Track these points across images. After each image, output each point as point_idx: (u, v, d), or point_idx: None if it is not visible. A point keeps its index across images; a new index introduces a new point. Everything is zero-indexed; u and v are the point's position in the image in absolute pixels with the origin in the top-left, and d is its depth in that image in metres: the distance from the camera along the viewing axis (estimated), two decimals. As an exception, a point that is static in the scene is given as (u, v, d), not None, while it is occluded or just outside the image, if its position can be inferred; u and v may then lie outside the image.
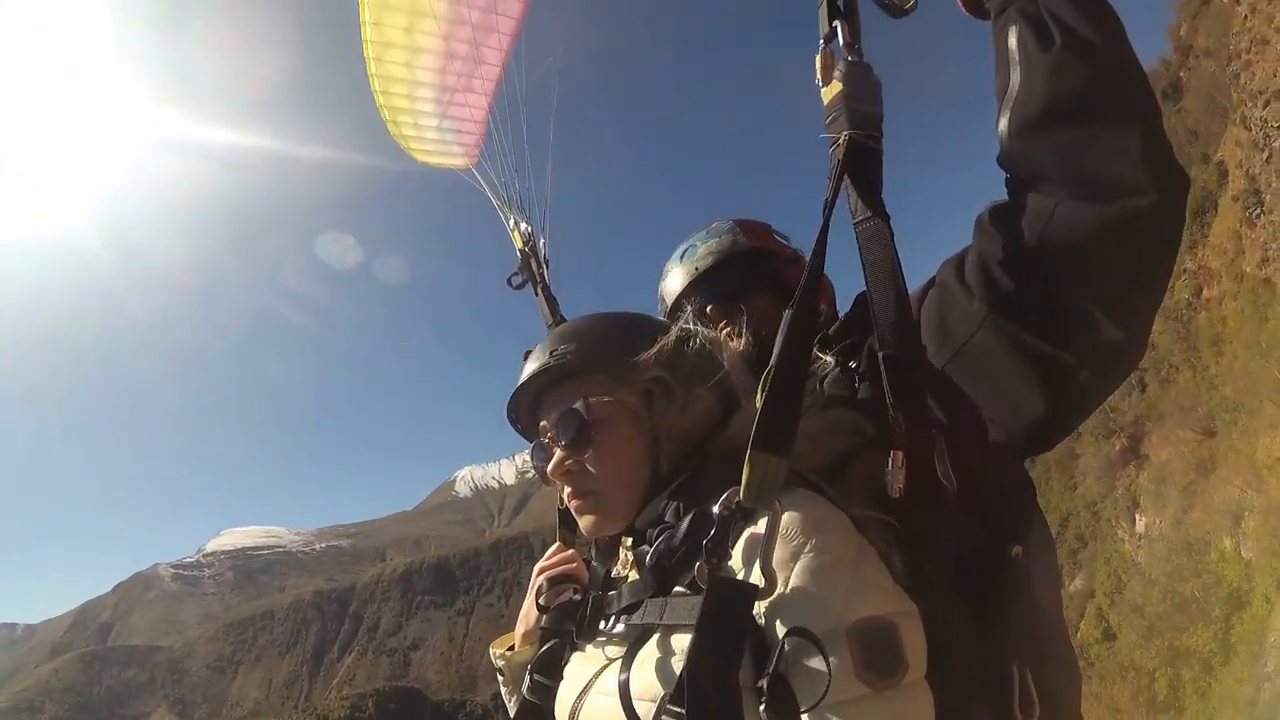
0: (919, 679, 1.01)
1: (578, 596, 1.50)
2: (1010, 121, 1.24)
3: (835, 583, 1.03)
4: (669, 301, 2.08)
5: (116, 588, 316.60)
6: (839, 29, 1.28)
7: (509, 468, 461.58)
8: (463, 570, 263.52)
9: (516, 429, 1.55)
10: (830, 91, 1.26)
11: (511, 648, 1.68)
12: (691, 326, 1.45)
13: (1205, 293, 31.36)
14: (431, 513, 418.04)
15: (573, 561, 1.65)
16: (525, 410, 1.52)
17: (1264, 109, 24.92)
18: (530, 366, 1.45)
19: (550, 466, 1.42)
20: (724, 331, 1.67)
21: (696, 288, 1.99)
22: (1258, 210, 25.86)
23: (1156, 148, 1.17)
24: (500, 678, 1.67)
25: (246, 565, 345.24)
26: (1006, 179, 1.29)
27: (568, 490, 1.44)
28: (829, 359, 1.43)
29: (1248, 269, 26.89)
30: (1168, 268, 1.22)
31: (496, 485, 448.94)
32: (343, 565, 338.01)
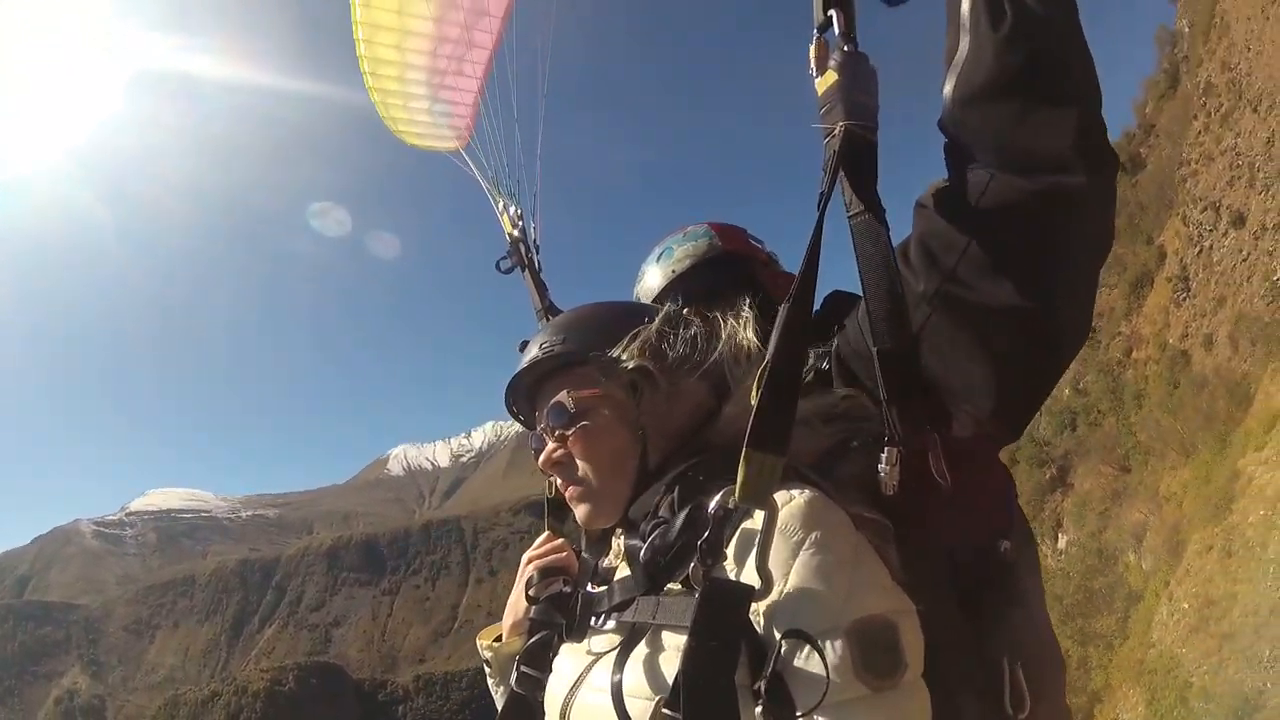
0: (917, 678, 1.02)
1: (567, 588, 1.48)
2: (955, 89, 1.23)
3: (835, 581, 1.02)
4: (645, 303, 2.06)
5: (36, 540, 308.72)
6: (834, 18, 1.25)
7: (444, 450, 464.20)
8: (391, 549, 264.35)
9: (518, 419, 1.59)
10: (825, 82, 1.24)
11: (499, 639, 1.67)
12: (678, 314, 1.48)
13: (1134, 354, 36.62)
14: (362, 489, 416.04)
15: (562, 551, 1.64)
16: (525, 401, 1.55)
17: (1200, 213, 29.62)
18: (523, 359, 1.48)
19: (542, 459, 1.45)
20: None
21: (673, 290, 1.98)
22: (1185, 294, 30.94)
23: (1091, 131, 1.19)
24: (487, 669, 1.67)
25: (170, 528, 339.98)
26: (945, 144, 1.29)
27: (560, 480, 1.46)
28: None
29: (1170, 341, 31.93)
30: (1098, 245, 1.24)
31: (430, 466, 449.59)
32: (268, 536, 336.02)
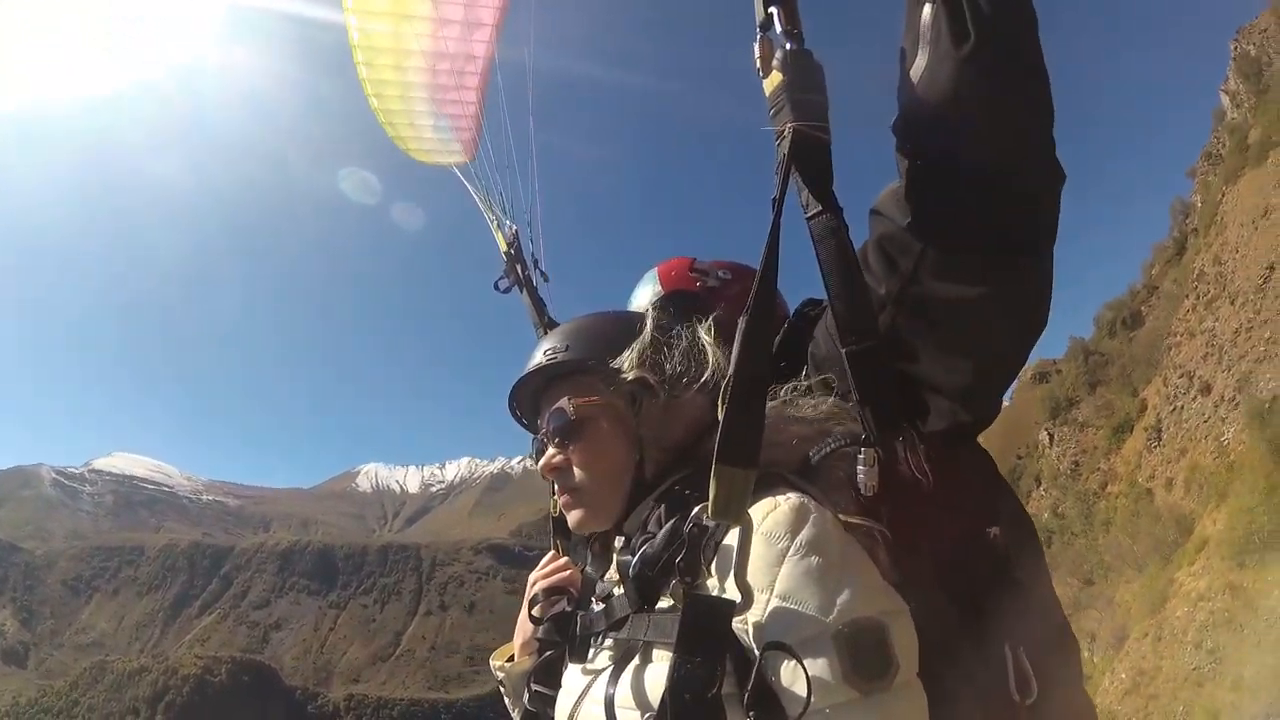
0: (911, 678, 1.01)
1: (570, 607, 1.49)
2: (910, 99, 1.23)
3: (821, 586, 1.02)
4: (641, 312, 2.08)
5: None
6: (775, 15, 1.23)
7: (415, 476, 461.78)
8: (346, 563, 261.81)
9: (521, 424, 1.61)
10: (771, 82, 1.22)
11: (511, 659, 1.68)
12: (670, 326, 1.47)
13: (1109, 488, 39.86)
14: (326, 498, 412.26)
15: (567, 570, 1.64)
16: (529, 408, 1.57)
17: (1178, 379, 33.19)
18: (527, 364, 1.50)
19: (540, 463, 1.47)
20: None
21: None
22: (1157, 443, 32.67)
23: (1040, 147, 1.20)
24: (502, 689, 1.69)
25: (130, 494, 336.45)
26: (898, 149, 1.27)
27: (556, 487, 1.48)
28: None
29: (1139, 480, 35.00)
30: (1048, 244, 1.24)
31: (398, 489, 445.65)
32: (225, 524, 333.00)
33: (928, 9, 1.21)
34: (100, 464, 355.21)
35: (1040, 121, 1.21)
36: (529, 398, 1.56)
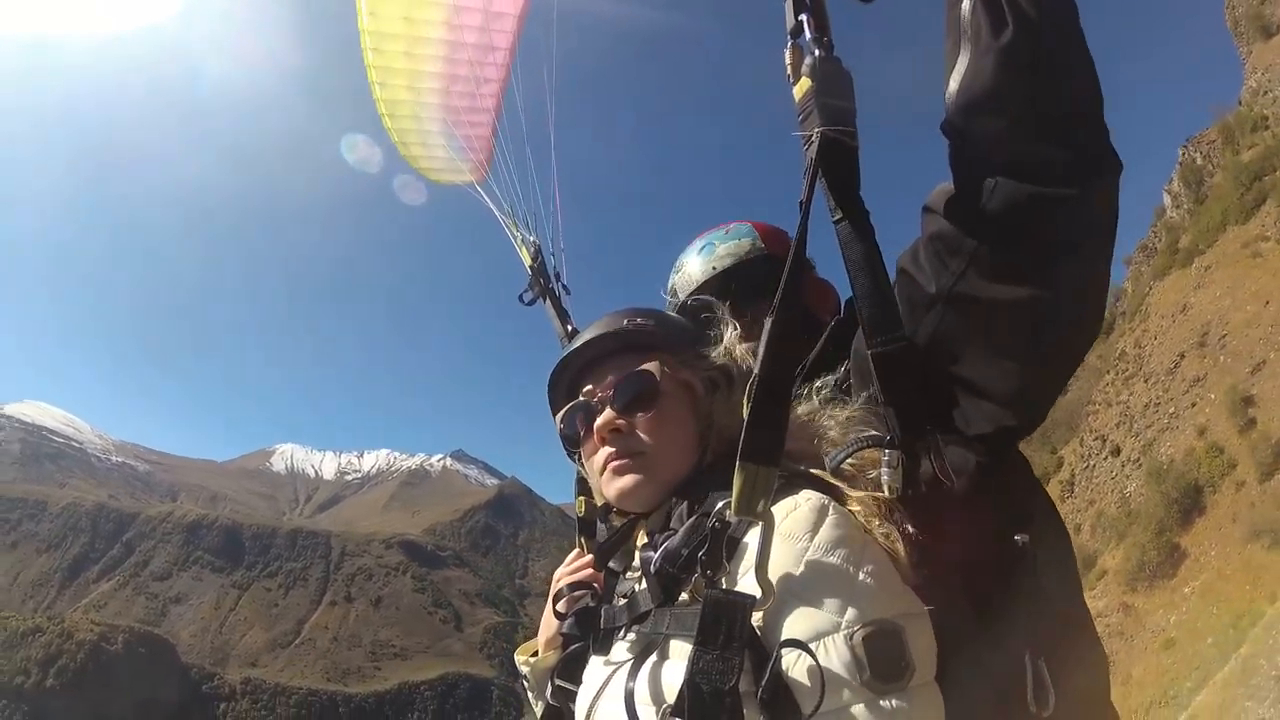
0: (928, 681, 1.01)
1: (593, 603, 1.48)
2: (957, 96, 1.22)
3: (840, 586, 1.03)
4: (681, 295, 2.11)
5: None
6: (805, 22, 1.26)
7: (332, 462, 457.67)
8: (253, 544, 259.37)
9: (551, 393, 1.58)
10: (800, 88, 1.24)
11: (535, 654, 1.69)
12: (735, 341, 1.50)
13: None
14: (238, 475, 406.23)
15: (591, 567, 1.62)
16: (569, 378, 1.55)
17: (1092, 441, 36.72)
18: (597, 330, 1.48)
19: (601, 421, 1.43)
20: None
21: (713, 284, 2.01)
22: (1069, 494, 36.52)
23: (1094, 138, 1.19)
24: (525, 683, 1.69)
25: (38, 445, 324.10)
26: (949, 149, 1.28)
27: (609, 451, 1.43)
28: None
29: None
30: (1102, 242, 1.23)
31: (313, 474, 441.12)
32: (132, 489, 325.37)
33: (966, 5, 1.22)
34: (10, 409, 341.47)
35: (1088, 106, 1.20)
36: (576, 368, 1.54)
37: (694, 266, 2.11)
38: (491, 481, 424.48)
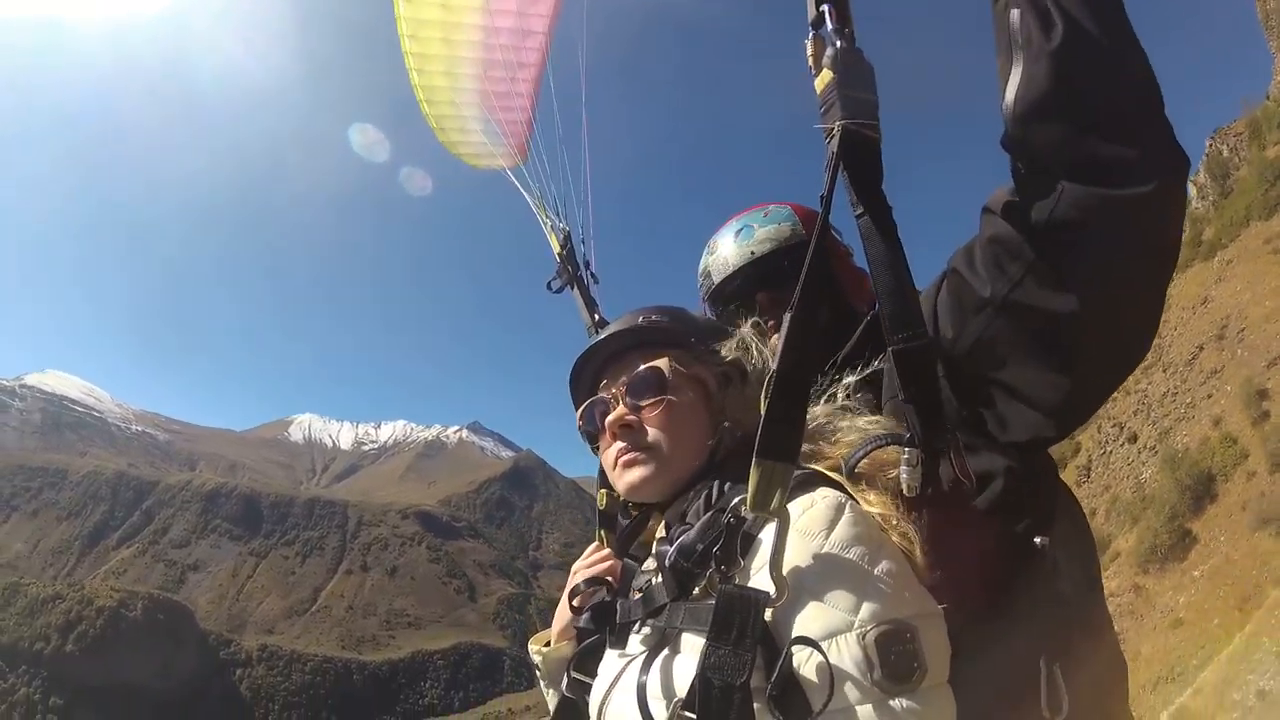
0: (940, 682, 1.01)
1: (609, 598, 1.48)
2: (1014, 106, 1.20)
3: (854, 584, 1.02)
4: (716, 278, 2.05)
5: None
6: (827, 14, 1.25)
7: (349, 432, 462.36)
8: (271, 512, 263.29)
9: (572, 388, 1.60)
10: (822, 80, 1.23)
11: (548, 644, 1.69)
12: (751, 337, 1.50)
13: None
14: (257, 444, 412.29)
15: (608, 560, 1.62)
16: (590, 374, 1.57)
17: (1110, 428, 37.21)
18: (614, 327, 1.51)
19: (612, 417, 1.45)
20: (769, 324, 1.70)
21: (748, 271, 1.97)
22: (1085, 479, 37.40)
23: (1158, 134, 1.17)
24: (538, 672, 1.69)
25: (59, 414, 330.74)
26: (1011, 161, 1.26)
27: (620, 446, 1.45)
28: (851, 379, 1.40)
29: None
30: (1171, 247, 1.21)
31: (330, 444, 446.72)
32: (152, 458, 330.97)
33: (1014, 14, 1.21)
34: (33, 379, 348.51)
35: (1148, 102, 1.18)
36: (596, 364, 1.56)
37: (729, 250, 2.02)
38: (507, 454, 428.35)
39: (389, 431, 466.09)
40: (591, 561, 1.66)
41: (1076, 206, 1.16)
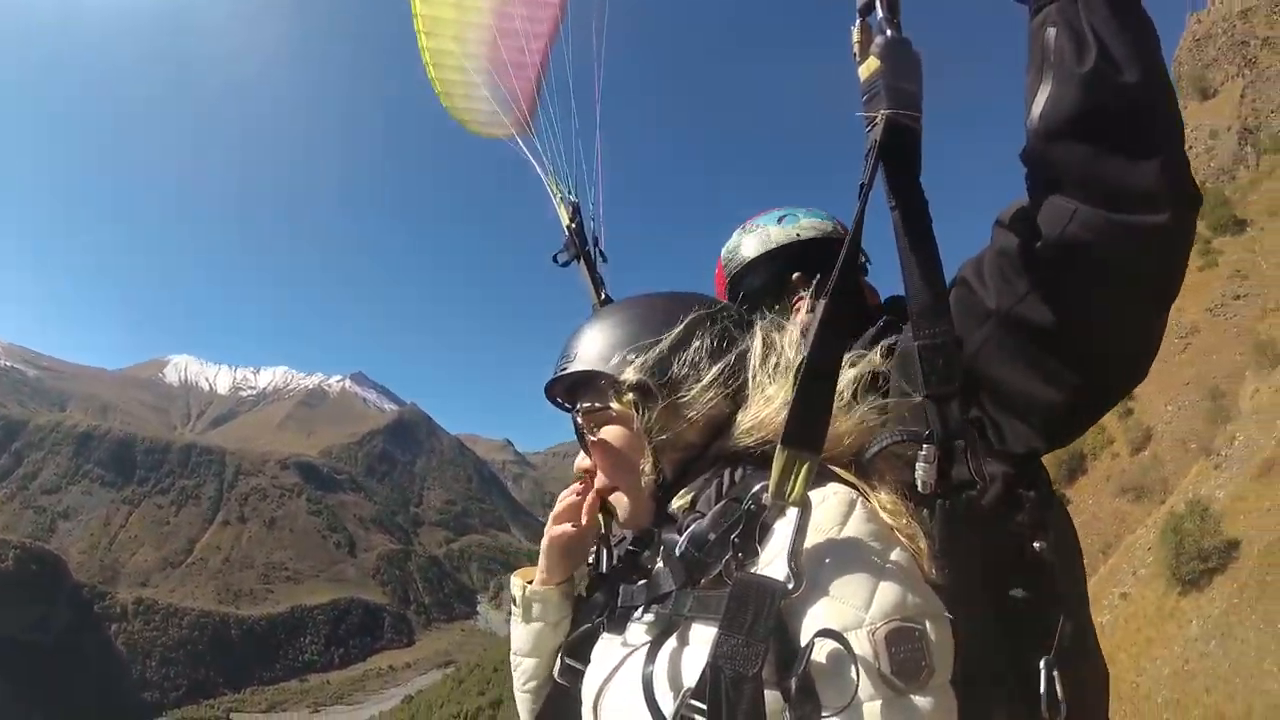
0: (944, 682, 1.02)
1: (600, 549, 1.53)
2: (1039, 121, 1.22)
3: (864, 581, 1.03)
4: (750, 252, 2.09)
5: None
6: (877, 1, 1.25)
7: (227, 376, 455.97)
8: (145, 458, 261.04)
9: (566, 409, 1.56)
10: (868, 68, 1.22)
11: (531, 581, 1.65)
12: (708, 312, 1.39)
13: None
14: (130, 385, 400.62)
15: (586, 481, 1.54)
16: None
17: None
18: (553, 370, 1.48)
19: (575, 465, 1.50)
20: (796, 301, 1.72)
21: (790, 251, 2.01)
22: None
23: (1178, 167, 1.19)
24: (513, 606, 1.65)
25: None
26: (1027, 176, 1.28)
27: (591, 490, 1.49)
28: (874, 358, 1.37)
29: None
30: (1175, 278, 1.23)
31: (207, 388, 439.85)
32: (20, 395, 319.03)
33: (1050, 33, 1.22)
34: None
35: (1171, 135, 1.20)
36: (567, 398, 1.52)
37: (774, 229, 2.08)
38: (391, 407, 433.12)
39: (269, 377, 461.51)
40: (577, 489, 1.58)
41: (1088, 228, 1.17)
